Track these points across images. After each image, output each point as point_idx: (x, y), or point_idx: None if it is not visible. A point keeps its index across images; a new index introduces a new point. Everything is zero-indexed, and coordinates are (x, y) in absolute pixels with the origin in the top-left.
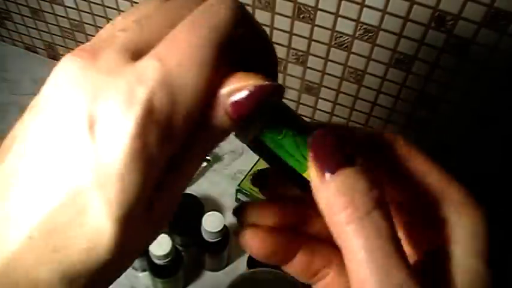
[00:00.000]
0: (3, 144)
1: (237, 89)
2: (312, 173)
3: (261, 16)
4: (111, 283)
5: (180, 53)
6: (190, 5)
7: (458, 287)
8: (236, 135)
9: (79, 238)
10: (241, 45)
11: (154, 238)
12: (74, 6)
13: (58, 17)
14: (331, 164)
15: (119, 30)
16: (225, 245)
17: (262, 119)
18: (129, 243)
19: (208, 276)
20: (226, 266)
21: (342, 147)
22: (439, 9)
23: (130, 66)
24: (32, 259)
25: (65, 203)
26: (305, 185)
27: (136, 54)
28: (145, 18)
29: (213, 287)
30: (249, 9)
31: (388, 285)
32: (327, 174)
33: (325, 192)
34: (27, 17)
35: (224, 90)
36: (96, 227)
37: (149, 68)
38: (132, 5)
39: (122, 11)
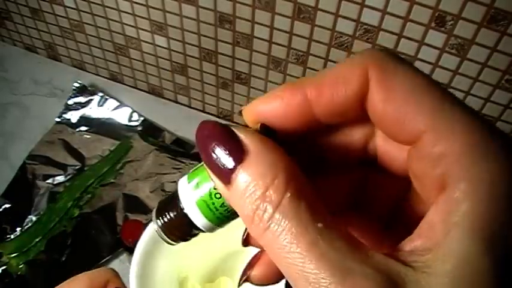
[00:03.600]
0: None
1: None
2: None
3: (261, 16)
4: None
5: None
6: None
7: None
8: None
9: None
10: None
11: None
12: (74, 6)
13: (58, 17)
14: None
15: None
16: None
17: None
18: None
19: None
20: None
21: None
22: (439, 9)
23: None
24: None
25: None
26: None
27: None
28: None
29: None
30: (249, 9)
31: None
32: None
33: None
34: (27, 17)
35: None
36: None
37: None
38: (131, 6)
39: (122, 11)
